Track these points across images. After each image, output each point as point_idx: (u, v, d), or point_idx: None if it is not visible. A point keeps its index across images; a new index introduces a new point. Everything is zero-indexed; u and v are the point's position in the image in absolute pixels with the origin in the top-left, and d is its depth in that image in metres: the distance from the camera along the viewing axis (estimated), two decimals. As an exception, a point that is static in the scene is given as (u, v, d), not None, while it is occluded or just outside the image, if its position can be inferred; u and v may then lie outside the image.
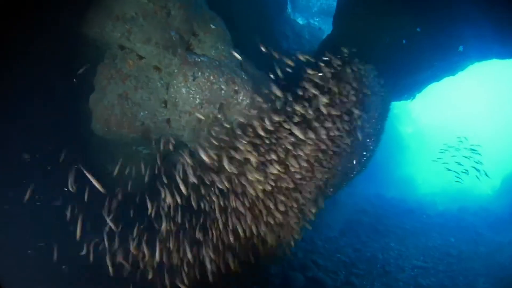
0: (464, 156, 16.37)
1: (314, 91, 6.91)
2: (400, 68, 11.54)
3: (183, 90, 6.57)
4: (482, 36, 10.71)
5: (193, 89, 6.56)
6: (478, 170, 15.43)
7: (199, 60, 6.84)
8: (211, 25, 7.19)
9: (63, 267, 6.30)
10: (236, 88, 6.71)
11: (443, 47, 10.80)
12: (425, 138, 37.66)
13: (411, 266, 11.77)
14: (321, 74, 7.56)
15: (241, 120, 6.77)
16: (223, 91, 6.67)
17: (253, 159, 6.28)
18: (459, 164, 15.70)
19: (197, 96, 6.57)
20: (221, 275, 6.65)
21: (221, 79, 6.65)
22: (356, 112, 7.85)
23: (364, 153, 10.63)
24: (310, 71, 7.31)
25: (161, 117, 7.05)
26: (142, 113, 7.03)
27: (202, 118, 6.73)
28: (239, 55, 7.28)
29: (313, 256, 11.32)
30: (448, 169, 16.48)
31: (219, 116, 6.74)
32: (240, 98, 6.73)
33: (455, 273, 10.92)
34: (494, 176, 26.39)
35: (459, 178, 15.31)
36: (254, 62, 7.95)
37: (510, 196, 20.47)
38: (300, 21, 19.25)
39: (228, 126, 6.71)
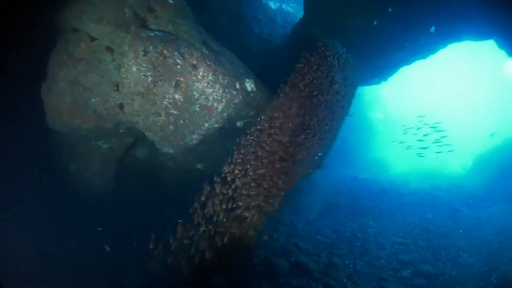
0: (425, 135, 17.50)
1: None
2: (371, 50, 11.48)
3: (134, 68, 6.02)
4: (454, 16, 10.77)
5: (144, 65, 6.01)
6: (440, 145, 17.08)
7: (152, 34, 6.19)
8: (169, 0, 6.64)
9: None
10: (194, 62, 6.12)
11: (414, 28, 10.81)
12: (394, 123, 38.58)
13: (391, 243, 11.88)
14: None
15: (203, 101, 6.23)
16: (178, 66, 6.08)
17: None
18: (421, 141, 17.62)
19: (149, 74, 6.04)
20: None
21: (176, 53, 6.03)
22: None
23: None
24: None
25: (113, 102, 6.54)
26: (93, 99, 6.48)
27: (156, 100, 6.06)
28: (204, 32, 6.75)
29: (295, 239, 11.24)
30: (408, 147, 17.63)
31: (176, 96, 6.19)
32: (201, 73, 6.17)
33: (437, 248, 11.08)
34: (466, 155, 27.47)
35: (421, 154, 17.16)
36: (224, 44, 7.55)
37: (482, 175, 20.83)
38: (273, 5, 18.82)
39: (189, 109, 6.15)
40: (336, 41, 9.32)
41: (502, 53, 12.99)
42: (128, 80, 6.38)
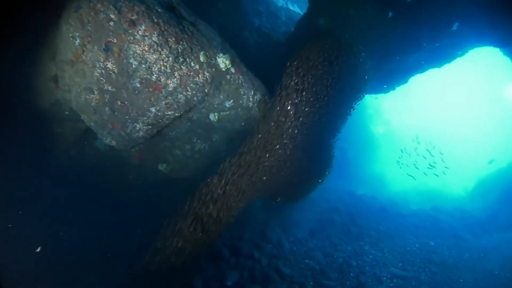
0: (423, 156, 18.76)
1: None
2: (383, 48, 9.49)
3: (64, 29, 4.16)
4: (480, 15, 8.75)
5: (73, 24, 4.14)
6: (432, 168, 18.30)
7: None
8: None
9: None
10: (133, 17, 4.20)
11: (435, 23, 8.79)
12: (395, 138, 36.65)
13: (390, 276, 9.88)
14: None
15: (145, 73, 4.27)
16: (111, 23, 4.17)
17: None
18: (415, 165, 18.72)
19: (77, 34, 4.16)
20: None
21: (111, 6, 4.20)
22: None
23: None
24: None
25: (48, 73, 4.62)
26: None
27: (86, 70, 4.20)
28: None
29: (279, 262, 9.21)
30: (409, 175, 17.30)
31: (108, 65, 4.27)
32: (140, 32, 4.21)
33: (440, 285, 8.99)
34: (467, 177, 25.61)
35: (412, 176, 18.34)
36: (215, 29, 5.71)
37: (485, 198, 19.37)
38: (279, 3, 16.92)
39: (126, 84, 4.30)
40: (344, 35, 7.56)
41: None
42: (59, 45, 4.53)
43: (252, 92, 5.62)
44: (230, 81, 5.17)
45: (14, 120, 5.73)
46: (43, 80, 5.24)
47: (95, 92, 4.63)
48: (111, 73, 4.42)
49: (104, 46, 4.20)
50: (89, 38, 4.17)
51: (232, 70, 5.11)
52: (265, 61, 9.56)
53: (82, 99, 4.73)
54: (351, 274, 9.40)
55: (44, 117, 5.96)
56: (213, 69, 4.80)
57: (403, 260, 11.21)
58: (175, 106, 4.73)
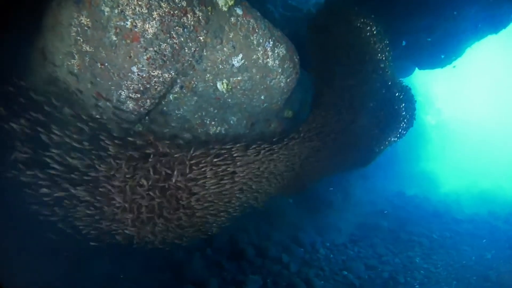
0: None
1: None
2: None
3: None
4: None
5: None
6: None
7: None
8: None
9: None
10: None
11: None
12: (448, 131, 32.61)
13: (442, 298, 7.98)
14: None
15: (118, 19, 3.30)
16: None
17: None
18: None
19: None
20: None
21: None
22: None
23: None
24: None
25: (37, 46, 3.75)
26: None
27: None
28: None
29: (310, 271, 7.73)
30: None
31: (82, 19, 3.16)
32: None
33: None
34: None
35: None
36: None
37: None
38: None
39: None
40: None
41: None
42: (44, 12, 3.54)
43: (271, 42, 4.11)
44: (236, 25, 3.77)
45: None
46: (34, 55, 4.30)
47: (75, 56, 3.55)
48: (86, 29, 3.30)
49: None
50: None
51: (238, 11, 3.68)
52: (294, 37, 8.08)
53: (65, 67, 3.68)
54: (398, 294, 7.71)
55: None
56: (208, 8, 3.42)
57: (457, 278, 9.24)
58: (160, 61, 3.45)
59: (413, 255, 10.13)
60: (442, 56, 11.58)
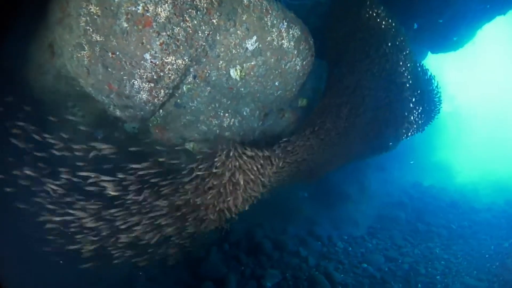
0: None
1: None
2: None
3: None
4: None
5: None
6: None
7: None
8: None
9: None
10: None
11: None
12: (462, 118, 31.63)
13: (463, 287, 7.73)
14: None
15: (129, 5, 3.26)
16: None
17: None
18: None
19: None
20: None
21: None
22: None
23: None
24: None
25: (46, 41, 3.69)
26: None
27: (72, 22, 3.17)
28: None
29: (329, 264, 7.55)
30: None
31: (91, 8, 3.27)
32: None
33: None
34: None
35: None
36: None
37: None
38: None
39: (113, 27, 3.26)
40: None
41: None
42: (50, 6, 3.45)
43: (285, 23, 3.95)
44: (249, 7, 3.61)
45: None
46: (42, 52, 4.19)
47: (85, 47, 3.44)
48: (95, 18, 3.18)
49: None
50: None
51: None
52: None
53: (75, 59, 3.57)
54: (419, 285, 7.44)
55: (56, 100, 4.95)
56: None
57: (478, 267, 8.96)
58: (174, 46, 3.31)
59: (433, 246, 9.84)
60: (455, 39, 11.28)
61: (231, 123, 5.19)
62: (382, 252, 8.64)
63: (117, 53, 3.35)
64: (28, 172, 3.73)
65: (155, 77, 3.49)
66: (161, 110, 4.58)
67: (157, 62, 3.38)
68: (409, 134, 8.08)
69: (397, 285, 7.19)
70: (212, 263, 6.73)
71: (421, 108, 7.97)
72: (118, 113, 3.95)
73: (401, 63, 6.74)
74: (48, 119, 4.01)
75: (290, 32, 4.03)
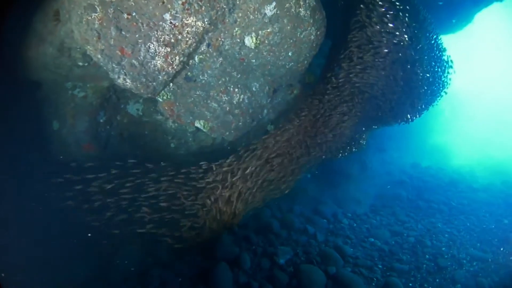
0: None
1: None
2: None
3: None
4: None
5: None
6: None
7: None
8: None
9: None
10: None
11: None
12: (459, 101, 31.89)
13: (469, 258, 7.82)
14: None
15: None
16: None
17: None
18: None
19: None
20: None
21: None
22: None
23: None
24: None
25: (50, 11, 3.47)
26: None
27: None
28: None
29: (337, 239, 7.58)
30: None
31: None
32: None
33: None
34: None
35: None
36: None
37: None
38: None
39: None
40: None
41: None
42: None
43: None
44: None
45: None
46: (45, 22, 4.00)
47: (97, 9, 3.28)
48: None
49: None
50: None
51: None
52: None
53: (84, 23, 3.41)
54: (427, 256, 7.51)
55: (57, 80, 4.77)
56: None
57: (481, 240, 9.07)
58: (196, 6, 3.19)
59: (435, 221, 9.92)
60: (454, 21, 11.22)
61: (241, 100, 5.08)
62: (387, 227, 8.69)
63: (133, 13, 3.22)
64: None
65: (172, 40, 3.37)
66: (171, 84, 4.45)
67: (177, 23, 3.26)
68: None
69: (406, 256, 7.25)
70: (225, 244, 6.68)
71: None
72: (128, 83, 3.79)
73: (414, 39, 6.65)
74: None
75: (307, 1, 3.94)
